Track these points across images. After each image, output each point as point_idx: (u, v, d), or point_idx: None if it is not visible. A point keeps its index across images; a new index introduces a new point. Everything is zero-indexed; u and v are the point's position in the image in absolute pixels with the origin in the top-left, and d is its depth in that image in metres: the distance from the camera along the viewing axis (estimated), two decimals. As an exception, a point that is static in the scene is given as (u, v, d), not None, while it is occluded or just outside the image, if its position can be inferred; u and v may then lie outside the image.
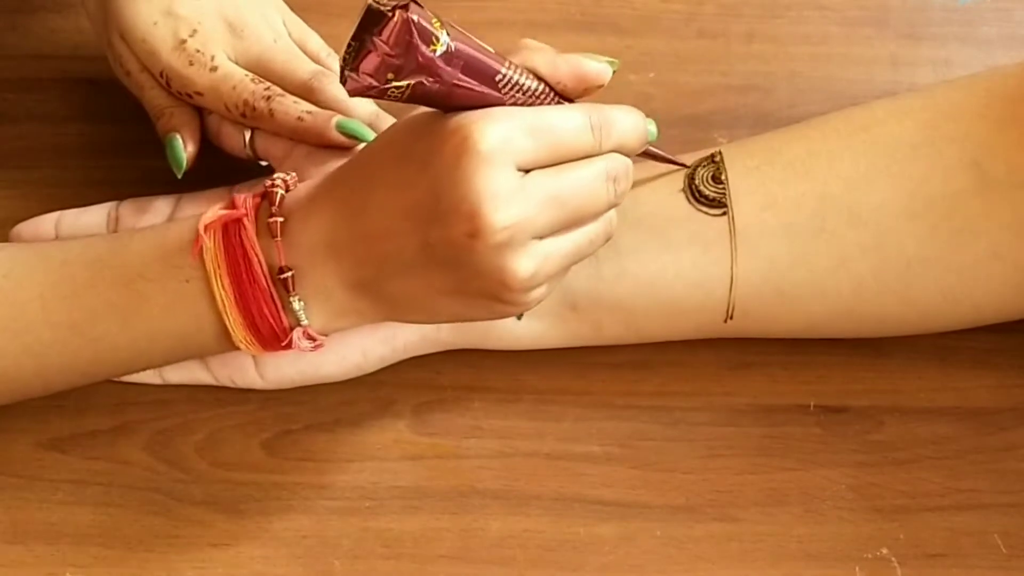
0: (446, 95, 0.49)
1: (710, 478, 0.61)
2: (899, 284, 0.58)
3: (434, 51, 0.48)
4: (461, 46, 0.49)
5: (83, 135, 0.70)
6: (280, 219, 0.53)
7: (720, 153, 0.60)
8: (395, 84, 0.48)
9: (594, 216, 0.53)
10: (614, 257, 0.59)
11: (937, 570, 0.58)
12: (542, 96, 0.52)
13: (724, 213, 0.58)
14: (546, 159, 0.51)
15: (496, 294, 0.51)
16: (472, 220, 0.49)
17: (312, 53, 0.64)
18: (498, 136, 0.49)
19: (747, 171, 0.59)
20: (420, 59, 0.47)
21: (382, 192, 0.51)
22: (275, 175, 0.55)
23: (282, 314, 0.53)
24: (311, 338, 0.54)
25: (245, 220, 0.53)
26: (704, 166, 0.60)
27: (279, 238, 0.52)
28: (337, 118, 0.60)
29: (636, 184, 0.59)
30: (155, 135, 0.64)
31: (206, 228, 0.52)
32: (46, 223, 0.63)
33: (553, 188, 0.50)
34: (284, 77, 0.62)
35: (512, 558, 0.59)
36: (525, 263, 0.50)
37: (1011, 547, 0.59)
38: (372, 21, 0.47)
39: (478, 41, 0.50)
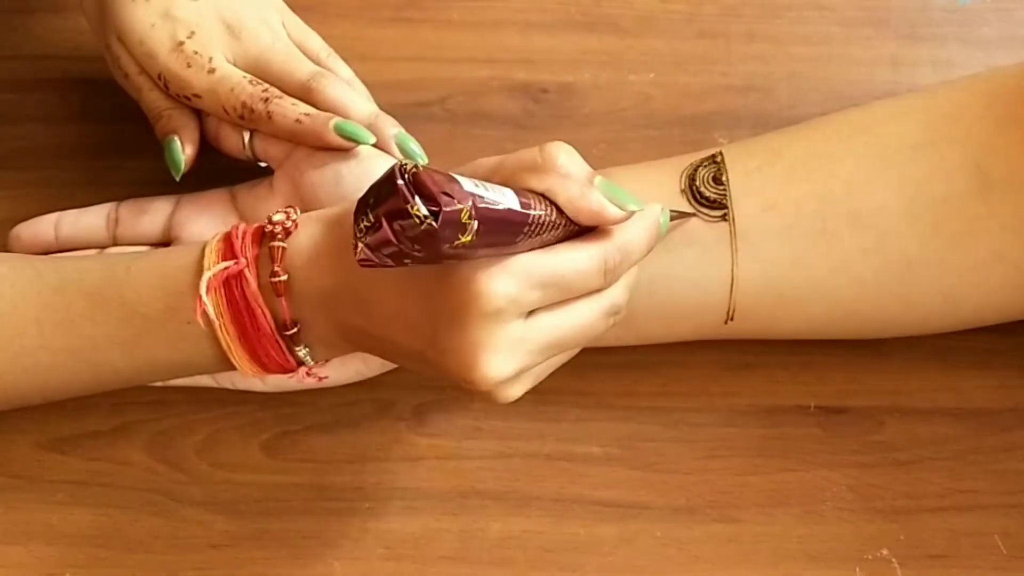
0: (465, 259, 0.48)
1: (710, 479, 0.61)
2: (900, 286, 0.58)
3: (459, 245, 0.44)
4: (488, 226, 0.45)
5: (83, 135, 0.70)
6: (284, 277, 0.52)
7: (721, 154, 0.60)
8: (411, 263, 0.45)
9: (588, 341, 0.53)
10: None
11: (937, 570, 0.59)
12: (560, 225, 0.50)
13: (724, 215, 0.58)
14: (552, 301, 0.51)
15: (481, 399, 0.52)
16: (469, 371, 0.49)
17: (312, 53, 0.64)
18: (507, 295, 0.48)
19: (748, 172, 0.59)
20: (442, 254, 0.44)
21: (385, 288, 0.51)
22: (274, 216, 0.53)
23: (288, 356, 0.54)
24: (318, 378, 0.56)
25: (246, 272, 0.52)
26: (705, 167, 0.60)
27: (283, 297, 0.52)
28: (335, 120, 0.59)
29: (636, 186, 0.59)
30: (155, 135, 0.63)
31: (207, 288, 0.52)
32: (45, 224, 0.62)
33: (554, 333, 0.51)
34: (282, 78, 0.61)
35: (512, 559, 0.59)
36: (515, 390, 0.52)
37: (1011, 547, 0.59)
38: (396, 212, 0.43)
39: (503, 192, 0.47)
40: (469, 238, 0.44)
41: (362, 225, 0.44)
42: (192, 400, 0.62)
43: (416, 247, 0.44)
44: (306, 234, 0.53)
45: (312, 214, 0.54)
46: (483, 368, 0.49)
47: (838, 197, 0.58)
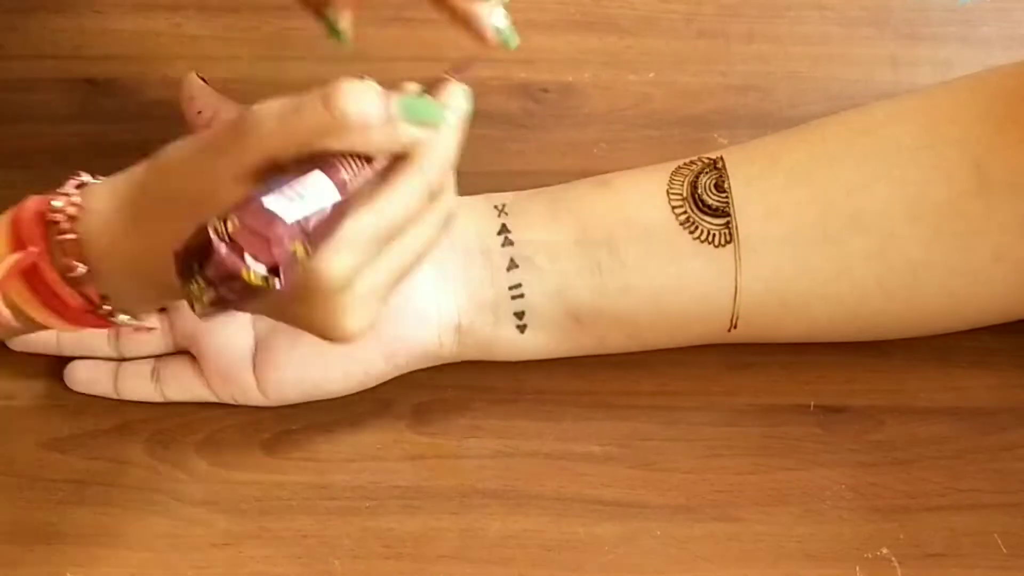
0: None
1: (710, 478, 0.61)
2: (903, 289, 0.58)
3: (258, 288, 0.41)
4: (319, 235, 0.43)
5: (83, 135, 0.70)
6: (82, 270, 0.48)
7: (722, 159, 0.60)
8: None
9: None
10: (618, 270, 0.58)
11: (937, 570, 0.58)
12: (372, 166, 0.47)
13: (727, 222, 0.58)
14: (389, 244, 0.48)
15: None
16: (334, 339, 0.48)
17: None
18: (346, 268, 0.46)
19: (749, 179, 0.59)
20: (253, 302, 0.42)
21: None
22: (54, 202, 0.49)
23: (112, 321, 0.50)
24: (147, 329, 0.54)
25: (41, 264, 0.48)
26: (706, 173, 0.59)
27: (87, 285, 0.48)
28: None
29: (638, 194, 0.59)
30: (155, 135, 0.63)
31: (1, 285, 0.48)
32: None
33: (399, 269, 0.49)
34: None
35: (512, 558, 0.59)
36: (373, 325, 0.49)
37: (1011, 547, 0.59)
38: (230, 279, 0.41)
39: (318, 188, 0.44)
40: (305, 257, 0.43)
41: (193, 288, 0.41)
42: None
43: (261, 301, 0.42)
44: (96, 219, 0.48)
45: (95, 191, 0.49)
46: (347, 331, 0.47)
47: (839, 201, 0.58)
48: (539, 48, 0.73)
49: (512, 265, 0.59)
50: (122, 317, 0.51)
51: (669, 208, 0.59)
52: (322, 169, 0.44)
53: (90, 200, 0.49)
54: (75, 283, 0.48)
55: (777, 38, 0.74)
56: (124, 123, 0.69)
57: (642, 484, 0.60)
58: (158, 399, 0.61)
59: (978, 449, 0.61)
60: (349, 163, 0.45)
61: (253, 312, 0.50)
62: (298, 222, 0.42)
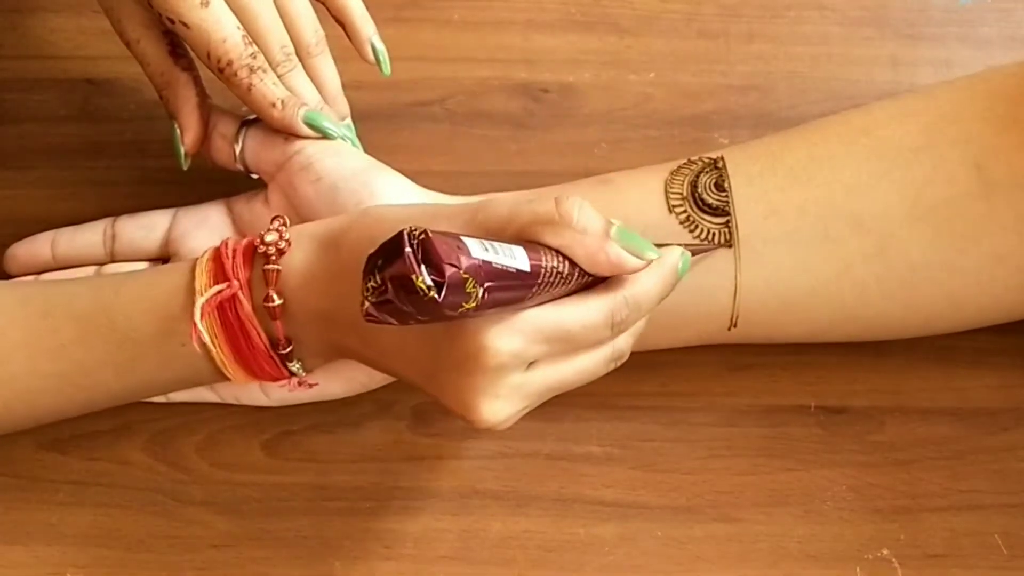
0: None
1: (710, 478, 0.61)
2: (902, 290, 0.58)
3: (463, 311, 0.44)
4: (495, 291, 0.45)
5: (83, 135, 0.70)
6: (279, 302, 0.52)
7: (723, 159, 0.60)
8: (415, 323, 0.45)
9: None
10: None
11: (937, 570, 0.59)
12: (572, 278, 0.49)
13: (727, 222, 0.58)
14: (556, 355, 0.50)
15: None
16: (468, 412, 0.49)
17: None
18: (511, 351, 0.48)
19: (749, 178, 0.59)
20: (447, 318, 0.44)
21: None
22: (267, 237, 0.52)
23: (282, 369, 0.54)
24: (308, 385, 0.56)
25: (240, 295, 0.52)
26: (707, 173, 0.59)
27: (279, 319, 0.52)
28: (304, 112, 0.59)
29: (638, 193, 0.59)
30: (155, 135, 0.64)
31: (201, 314, 0.52)
32: (41, 242, 0.62)
33: (554, 380, 0.51)
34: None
35: (512, 558, 0.59)
36: (507, 422, 0.51)
37: (1011, 547, 0.59)
38: (401, 279, 0.42)
39: (513, 253, 0.46)
40: (473, 305, 0.44)
41: (369, 285, 0.43)
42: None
43: (420, 314, 0.43)
44: (300, 255, 0.52)
45: (304, 230, 0.53)
46: (482, 413, 0.49)
47: (839, 202, 0.58)
48: (539, 48, 0.73)
49: None
50: (295, 366, 0.54)
51: (669, 207, 0.59)
52: (525, 248, 0.47)
53: (298, 240, 0.53)
54: (266, 321, 0.52)
55: (777, 38, 0.74)
56: (124, 123, 0.69)
57: (642, 485, 0.61)
58: (160, 399, 0.61)
59: (979, 450, 0.61)
60: (553, 256, 0.48)
61: (406, 354, 0.51)
62: (481, 261, 0.44)
